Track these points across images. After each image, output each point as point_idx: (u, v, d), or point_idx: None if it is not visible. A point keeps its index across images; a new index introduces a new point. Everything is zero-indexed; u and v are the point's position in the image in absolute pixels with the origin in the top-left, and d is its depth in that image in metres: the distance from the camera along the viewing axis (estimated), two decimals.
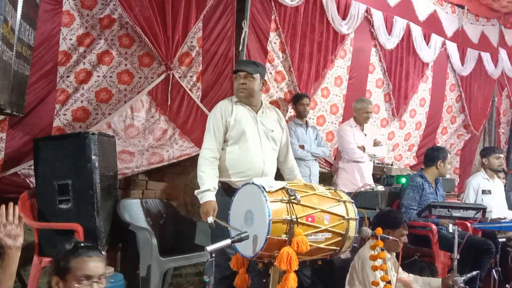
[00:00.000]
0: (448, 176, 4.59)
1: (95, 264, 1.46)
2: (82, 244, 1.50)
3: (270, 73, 4.23)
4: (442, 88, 5.76)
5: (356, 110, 4.16)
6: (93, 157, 2.69)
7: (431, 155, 3.59)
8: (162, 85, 3.57)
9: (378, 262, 2.20)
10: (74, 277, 1.42)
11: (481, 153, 4.29)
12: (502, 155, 4.11)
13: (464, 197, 4.18)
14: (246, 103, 2.61)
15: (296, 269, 1.90)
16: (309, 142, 4.08)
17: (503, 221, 3.51)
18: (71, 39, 3.22)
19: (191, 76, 3.74)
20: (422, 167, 3.69)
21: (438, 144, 5.76)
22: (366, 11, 4.74)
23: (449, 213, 2.78)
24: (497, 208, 3.97)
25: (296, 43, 4.29)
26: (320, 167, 4.49)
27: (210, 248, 1.65)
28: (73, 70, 3.24)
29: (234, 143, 2.55)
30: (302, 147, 3.98)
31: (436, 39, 5.46)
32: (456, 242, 2.69)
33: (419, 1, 5.21)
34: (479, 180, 4.10)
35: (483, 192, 4.04)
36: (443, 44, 5.58)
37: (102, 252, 1.56)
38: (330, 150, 4.76)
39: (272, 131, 2.63)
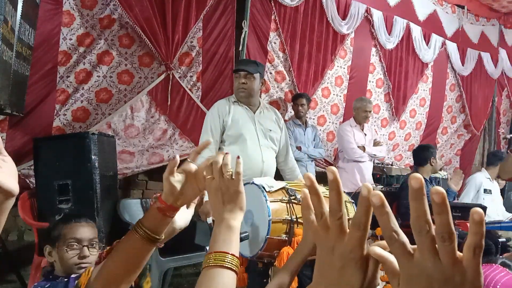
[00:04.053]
0: (448, 176, 4.58)
1: (84, 229, 1.45)
2: (71, 214, 1.52)
3: (270, 73, 4.23)
4: (442, 88, 5.76)
5: (355, 109, 4.15)
6: (93, 157, 2.69)
7: (422, 155, 3.59)
8: (162, 85, 3.57)
9: None
10: (65, 242, 1.41)
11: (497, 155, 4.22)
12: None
13: (463, 194, 4.14)
14: (244, 103, 2.61)
15: None
16: (307, 143, 4.08)
17: (503, 221, 3.51)
18: (71, 39, 3.22)
19: (191, 76, 3.74)
20: (416, 167, 3.67)
21: (438, 145, 5.77)
22: (366, 11, 4.74)
23: None
24: (495, 208, 3.96)
25: (296, 43, 4.29)
26: (320, 167, 4.49)
27: None
28: (73, 70, 3.25)
29: (232, 143, 2.55)
30: (299, 148, 3.98)
31: (436, 39, 5.47)
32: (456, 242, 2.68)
33: (419, 1, 5.21)
34: (482, 179, 4.07)
35: (485, 191, 4.02)
36: (443, 44, 5.58)
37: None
38: (331, 150, 4.76)
39: (270, 130, 2.63)
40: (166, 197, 0.88)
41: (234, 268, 0.78)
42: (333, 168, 0.47)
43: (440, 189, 0.37)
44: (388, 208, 0.41)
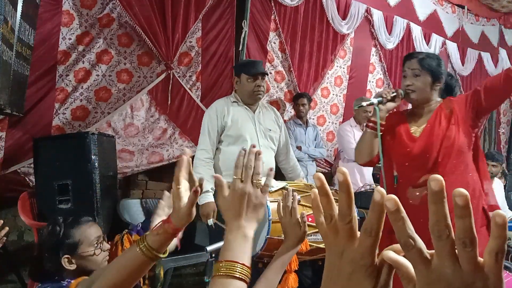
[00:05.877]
0: None
1: (96, 226, 1.53)
2: (71, 218, 1.52)
3: (270, 73, 4.22)
4: None
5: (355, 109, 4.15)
6: (93, 157, 2.68)
7: None
8: (162, 84, 3.56)
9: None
10: (87, 244, 1.44)
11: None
12: (495, 163, 4.07)
13: None
14: (246, 103, 2.60)
15: (296, 269, 1.89)
16: (308, 143, 4.07)
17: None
18: (71, 39, 3.22)
19: (190, 76, 3.74)
20: None
21: None
22: (366, 11, 4.74)
23: None
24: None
25: (296, 43, 4.29)
26: (320, 167, 4.49)
27: (210, 248, 1.64)
28: (73, 69, 3.25)
29: (232, 143, 2.53)
30: (299, 148, 3.98)
31: (436, 39, 5.47)
32: None
33: (419, 1, 5.21)
34: None
35: None
36: (443, 44, 5.58)
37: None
38: (330, 150, 4.76)
39: (270, 130, 2.62)
40: (177, 221, 0.94)
41: (245, 278, 0.77)
42: (344, 169, 0.44)
43: (464, 191, 0.35)
44: (403, 213, 0.39)
